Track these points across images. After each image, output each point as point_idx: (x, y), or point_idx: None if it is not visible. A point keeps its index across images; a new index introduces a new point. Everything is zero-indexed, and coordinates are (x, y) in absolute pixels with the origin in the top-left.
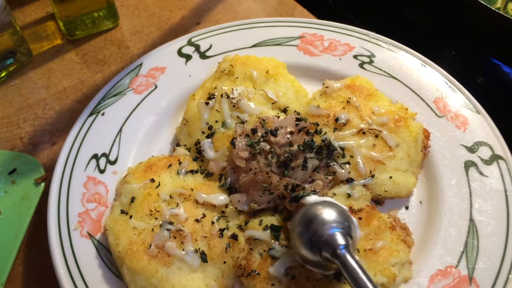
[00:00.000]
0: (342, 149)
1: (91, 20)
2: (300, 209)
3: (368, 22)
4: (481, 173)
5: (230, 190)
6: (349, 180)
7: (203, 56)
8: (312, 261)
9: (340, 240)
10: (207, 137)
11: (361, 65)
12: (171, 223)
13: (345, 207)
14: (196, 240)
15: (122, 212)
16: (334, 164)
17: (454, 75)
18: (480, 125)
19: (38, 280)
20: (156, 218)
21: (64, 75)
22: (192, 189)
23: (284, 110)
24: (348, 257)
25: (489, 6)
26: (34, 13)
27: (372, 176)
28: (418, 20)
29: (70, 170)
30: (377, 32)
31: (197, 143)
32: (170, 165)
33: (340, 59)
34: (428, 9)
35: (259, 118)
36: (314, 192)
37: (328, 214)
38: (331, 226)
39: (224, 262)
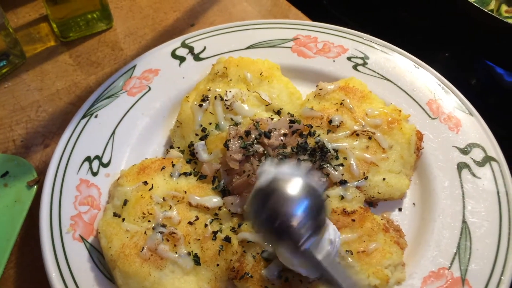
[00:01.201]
0: (336, 151)
1: (84, 22)
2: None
3: (363, 24)
4: (474, 175)
5: (224, 192)
6: (343, 182)
7: (197, 58)
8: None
9: (302, 235)
10: (201, 139)
11: (355, 67)
12: (164, 225)
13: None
14: (189, 243)
15: (115, 215)
16: (328, 166)
17: (448, 77)
18: (473, 127)
19: (31, 283)
20: (149, 221)
21: (57, 77)
22: (185, 192)
23: (278, 112)
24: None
25: (482, 8)
26: (27, 15)
27: (366, 178)
28: (413, 22)
29: (62, 173)
30: (371, 34)
31: (191, 145)
32: (163, 168)
33: (334, 61)
34: (422, 11)
35: (252, 120)
36: None
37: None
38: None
39: (217, 265)
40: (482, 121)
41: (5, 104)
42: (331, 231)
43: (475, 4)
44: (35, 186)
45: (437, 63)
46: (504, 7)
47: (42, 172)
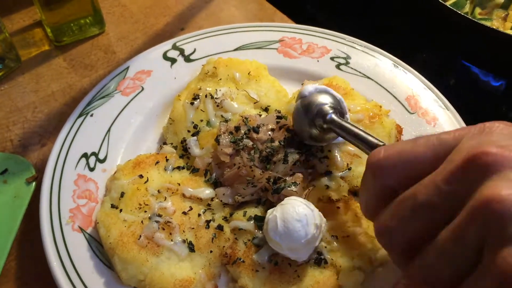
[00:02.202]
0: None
1: (78, 26)
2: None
3: (344, 27)
4: None
5: (216, 184)
6: (328, 173)
7: (187, 59)
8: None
9: (328, 110)
10: (193, 135)
11: (338, 66)
12: (159, 215)
13: (335, 94)
14: (183, 231)
15: (112, 206)
16: (313, 159)
17: (427, 77)
18: (449, 120)
19: (31, 274)
20: (145, 211)
21: (52, 80)
22: (179, 184)
23: (266, 109)
24: (335, 118)
25: (457, 11)
26: (21, 21)
27: (349, 169)
28: (392, 24)
29: (60, 168)
30: (353, 36)
31: (183, 141)
32: (157, 162)
33: (318, 61)
34: (401, 15)
35: (242, 116)
36: (295, 183)
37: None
38: (321, 103)
39: (211, 252)
40: (457, 115)
41: (2, 106)
42: (317, 217)
43: (451, 7)
44: (34, 183)
45: (415, 64)
46: (478, 10)
47: (40, 170)
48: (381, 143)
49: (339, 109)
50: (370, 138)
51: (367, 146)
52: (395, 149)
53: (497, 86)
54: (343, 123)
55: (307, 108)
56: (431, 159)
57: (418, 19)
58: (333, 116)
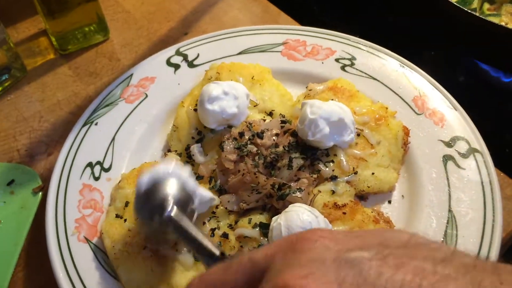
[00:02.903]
0: (326, 148)
1: (82, 34)
2: None
3: (349, 27)
4: (458, 166)
5: (220, 191)
6: (333, 178)
7: (191, 65)
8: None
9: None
10: (197, 142)
11: (343, 68)
12: None
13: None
14: None
15: (117, 216)
16: (319, 163)
17: (436, 75)
18: (457, 121)
19: (39, 285)
20: None
21: (57, 88)
22: None
23: (270, 114)
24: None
25: (463, 7)
26: (27, 30)
27: (355, 173)
28: (398, 24)
29: (66, 179)
30: (359, 36)
31: (187, 148)
32: None
33: (322, 63)
34: (408, 13)
35: (246, 122)
36: (300, 189)
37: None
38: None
39: None
40: (465, 115)
41: (9, 116)
42: (322, 224)
43: (457, 4)
44: (40, 193)
45: (423, 62)
46: (486, 5)
47: (46, 179)
48: (216, 253)
49: (184, 201)
50: (207, 245)
51: (203, 253)
52: (206, 280)
53: (508, 83)
54: (182, 223)
55: (147, 198)
56: (245, 286)
57: (424, 16)
58: (173, 214)
